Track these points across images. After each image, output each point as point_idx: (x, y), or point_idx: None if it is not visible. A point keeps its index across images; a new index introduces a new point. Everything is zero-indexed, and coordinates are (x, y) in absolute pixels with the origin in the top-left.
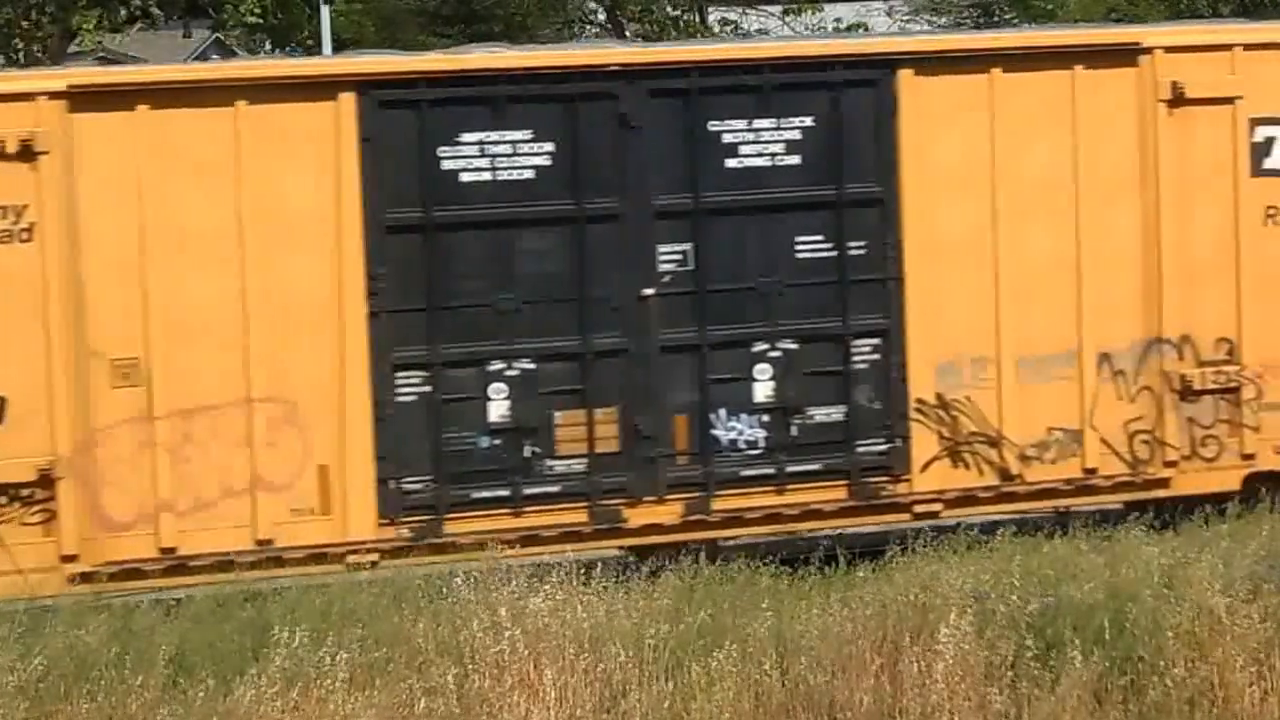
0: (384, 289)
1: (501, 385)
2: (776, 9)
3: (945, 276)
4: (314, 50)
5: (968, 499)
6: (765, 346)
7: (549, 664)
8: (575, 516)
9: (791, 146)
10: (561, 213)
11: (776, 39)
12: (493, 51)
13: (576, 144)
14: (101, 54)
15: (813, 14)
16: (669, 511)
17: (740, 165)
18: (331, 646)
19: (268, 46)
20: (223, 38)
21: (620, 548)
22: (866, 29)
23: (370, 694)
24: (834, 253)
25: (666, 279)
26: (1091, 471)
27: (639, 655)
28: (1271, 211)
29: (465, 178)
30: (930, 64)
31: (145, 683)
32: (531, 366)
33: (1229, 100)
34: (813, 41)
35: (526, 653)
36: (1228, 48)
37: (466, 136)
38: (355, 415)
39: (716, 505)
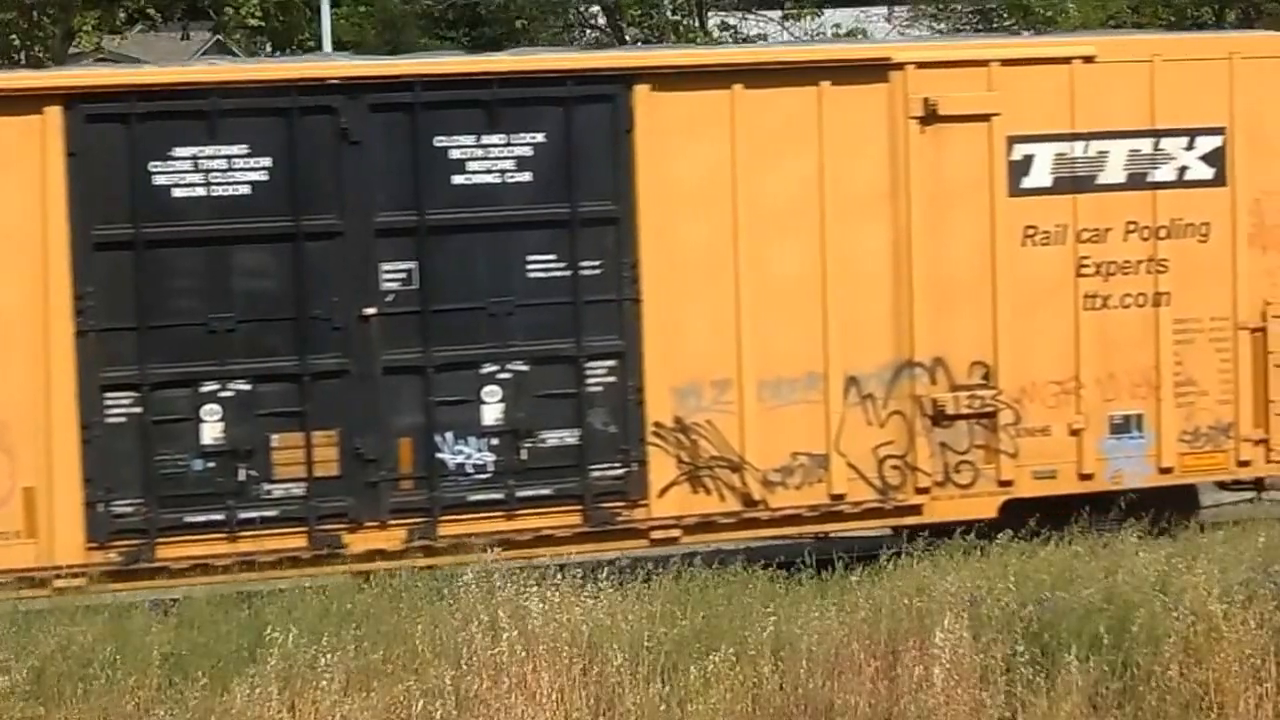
0: (91, 307)
1: (215, 407)
2: (776, 14)
3: (685, 297)
4: (315, 53)
5: (708, 525)
6: (494, 368)
7: (546, 666)
8: (294, 541)
9: (523, 163)
10: (279, 229)
11: (511, 53)
12: (211, 64)
13: (295, 159)
14: (101, 55)
15: (812, 19)
16: (392, 537)
17: (468, 182)
18: (327, 647)
19: (268, 49)
20: (223, 40)
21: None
22: (866, 34)
23: (367, 695)
24: (567, 272)
25: (390, 298)
26: (839, 497)
27: (636, 658)
28: (1030, 231)
29: (178, 193)
30: (668, 79)
31: (140, 683)
32: (247, 388)
33: (985, 117)
34: (545, 55)
35: (524, 655)
36: (984, 63)
37: (179, 151)
38: (62, 436)
39: (443, 530)
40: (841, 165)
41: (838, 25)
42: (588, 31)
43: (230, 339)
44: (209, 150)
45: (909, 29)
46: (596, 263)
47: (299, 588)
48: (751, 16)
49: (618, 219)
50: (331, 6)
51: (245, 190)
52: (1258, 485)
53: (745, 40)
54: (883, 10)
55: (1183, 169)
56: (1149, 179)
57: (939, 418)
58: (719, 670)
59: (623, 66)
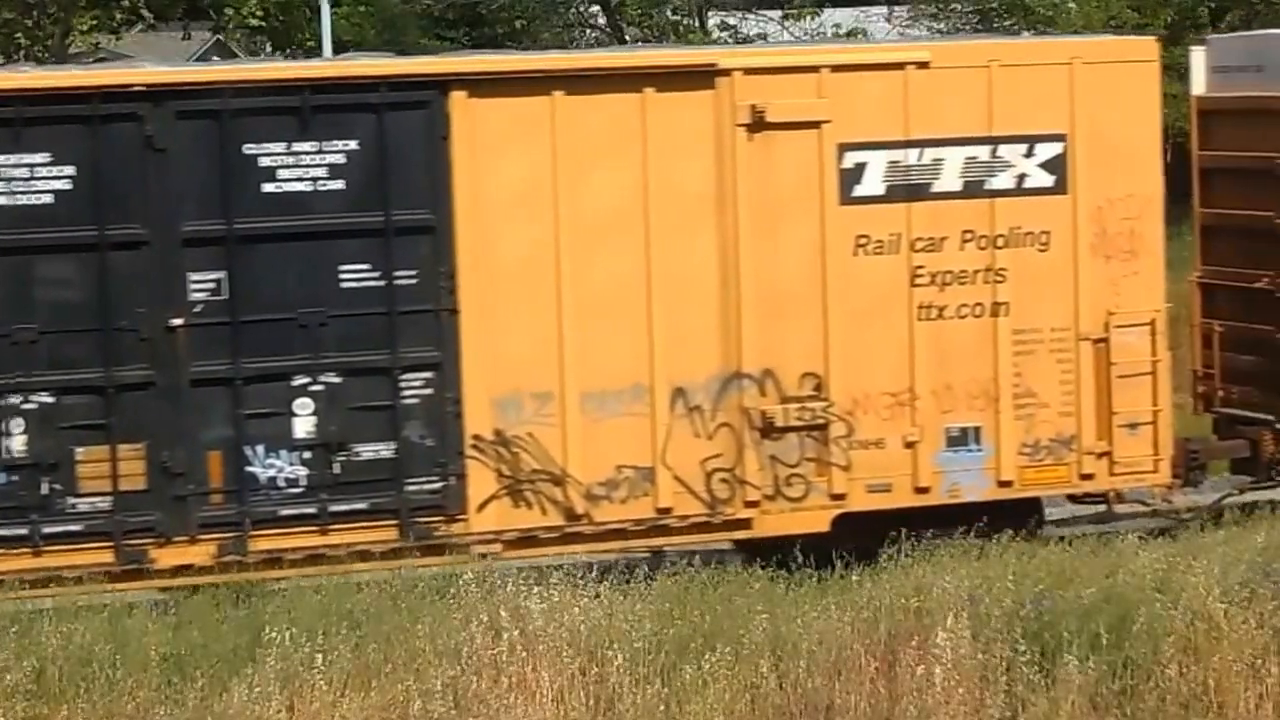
0: None
1: (18, 419)
2: (776, 14)
3: (505, 307)
4: (315, 53)
5: (530, 539)
6: (306, 380)
7: (546, 666)
8: (100, 557)
9: (335, 171)
10: (82, 239)
11: (326, 60)
12: (17, 71)
13: (98, 168)
14: (101, 55)
15: (811, 19)
16: (201, 552)
17: (278, 190)
18: (325, 647)
19: (268, 49)
20: (224, 40)
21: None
22: (866, 34)
23: (366, 695)
24: (381, 282)
25: (198, 309)
26: (665, 511)
27: (635, 658)
28: (863, 241)
29: None
30: (485, 85)
31: (140, 683)
32: (50, 400)
33: (815, 124)
34: (358, 61)
35: (524, 655)
36: (814, 69)
37: None
38: None
39: (254, 545)
40: (667, 173)
41: (837, 25)
42: (588, 31)
43: (33, 350)
44: (11, 159)
45: (909, 29)
46: (412, 272)
47: (296, 588)
48: (751, 16)
49: (434, 228)
50: (332, 6)
51: (48, 199)
52: (1109, 498)
53: (745, 40)
54: (883, 10)
55: (1022, 176)
56: (986, 187)
57: (768, 430)
58: (717, 670)
59: (438, 72)
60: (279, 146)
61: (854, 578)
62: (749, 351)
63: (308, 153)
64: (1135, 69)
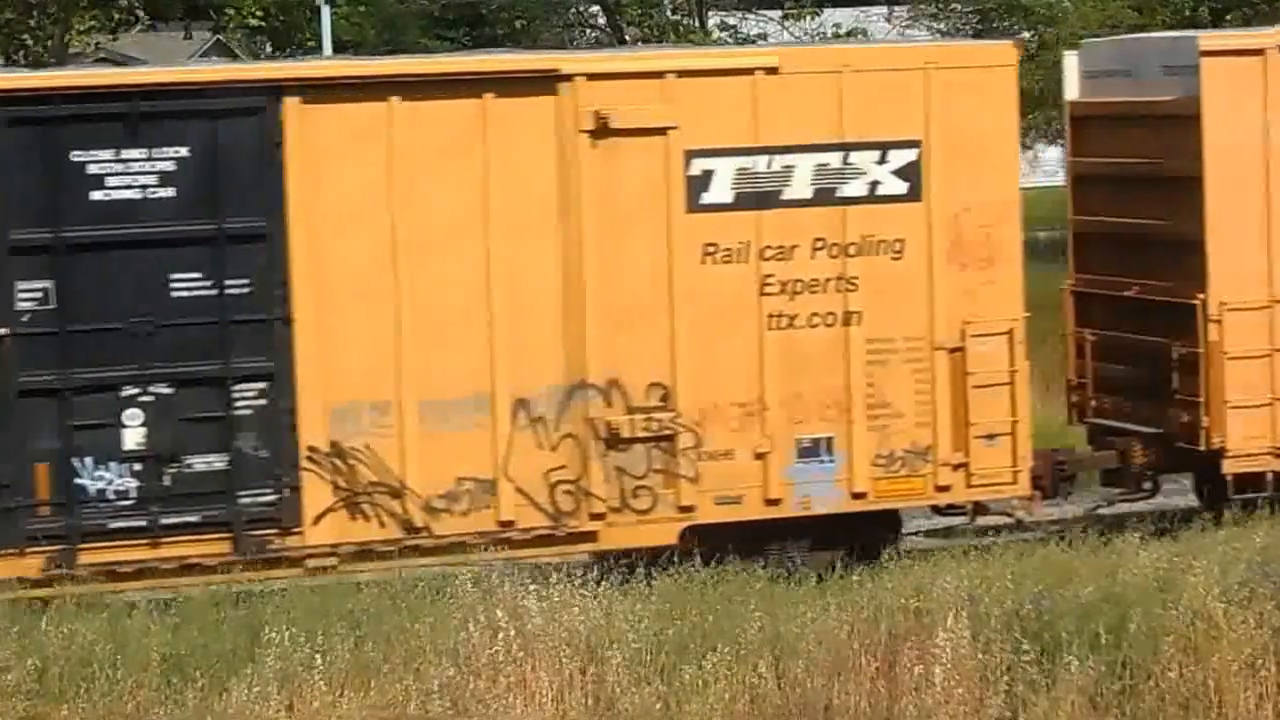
0: None
1: None
2: (776, 14)
3: (341, 317)
4: (315, 52)
5: (367, 553)
6: (136, 390)
7: (544, 666)
8: None
9: (166, 178)
10: None
11: (152, 67)
12: None
13: None
14: (102, 55)
15: (812, 19)
16: (29, 565)
17: (107, 198)
18: (325, 647)
19: (268, 49)
20: (224, 40)
21: None
22: (866, 34)
23: (365, 695)
24: (214, 291)
25: (25, 318)
26: (508, 524)
27: (634, 658)
28: (711, 249)
29: None
30: (319, 92)
31: (140, 682)
32: None
33: (661, 131)
34: (190, 68)
35: (522, 654)
36: (659, 75)
37: None
38: None
39: (84, 558)
40: (508, 180)
41: (837, 25)
42: (588, 31)
43: None
44: None
45: (909, 29)
46: (245, 281)
47: (295, 588)
48: (751, 16)
49: (268, 236)
50: (331, 6)
51: None
52: (972, 510)
53: (745, 40)
54: (883, 10)
55: (874, 184)
56: (838, 194)
57: (614, 441)
58: (717, 670)
59: (271, 78)
60: (108, 154)
61: (854, 578)
62: (594, 361)
63: (137, 160)
64: (992, 74)
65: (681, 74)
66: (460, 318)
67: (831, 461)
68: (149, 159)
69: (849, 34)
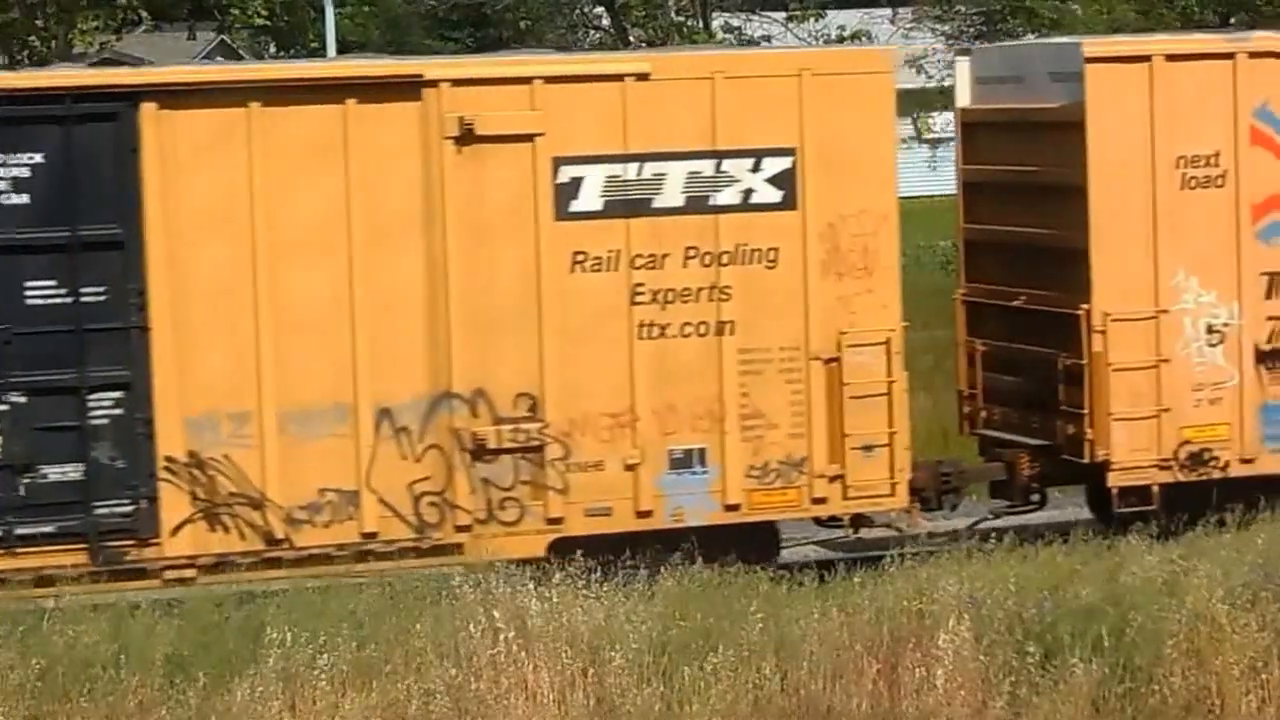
0: None
1: None
2: (780, 15)
3: (200, 325)
4: (319, 53)
5: (227, 564)
6: None
7: (546, 667)
8: None
9: (19, 185)
10: None
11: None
12: None
13: None
14: (107, 55)
15: (816, 20)
16: None
17: None
18: (327, 647)
19: (272, 49)
20: (228, 40)
21: None
22: (870, 36)
23: (367, 695)
24: (68, 299)
25: None
26: (371, 535)
27: (637, 659)
28: (580, 257)
29: None
30: (177, 97)
31: (143, 682)
32: None
33: (527, 138)
34: (45, 71)
35: (524, 655)
36: (527, 81)
37: None
38: None
39: None
40: (371, 187)
41: (842, 27)
42: (592, 33)
43: None
44: None
45: (913, 31)
46: (100, 289)
47: (297, 588)
48: (756, 18)
49: (124, 243)
50: (336, 7)
51: None
52: (856, 522)
53: (749, 42)
54: (887, 12)
55: (748, 192)
56: (711, 202)
57: (480, 452)
58: (719, 671)
59: (127, 84)
60: None
61: (855, 580)
62: (459, 371)
63: None
64: (868, 80)
65: (549, 80)
66: (322, 327)
67: (705, 473)
68: (3, 165)
69: (853, 36)
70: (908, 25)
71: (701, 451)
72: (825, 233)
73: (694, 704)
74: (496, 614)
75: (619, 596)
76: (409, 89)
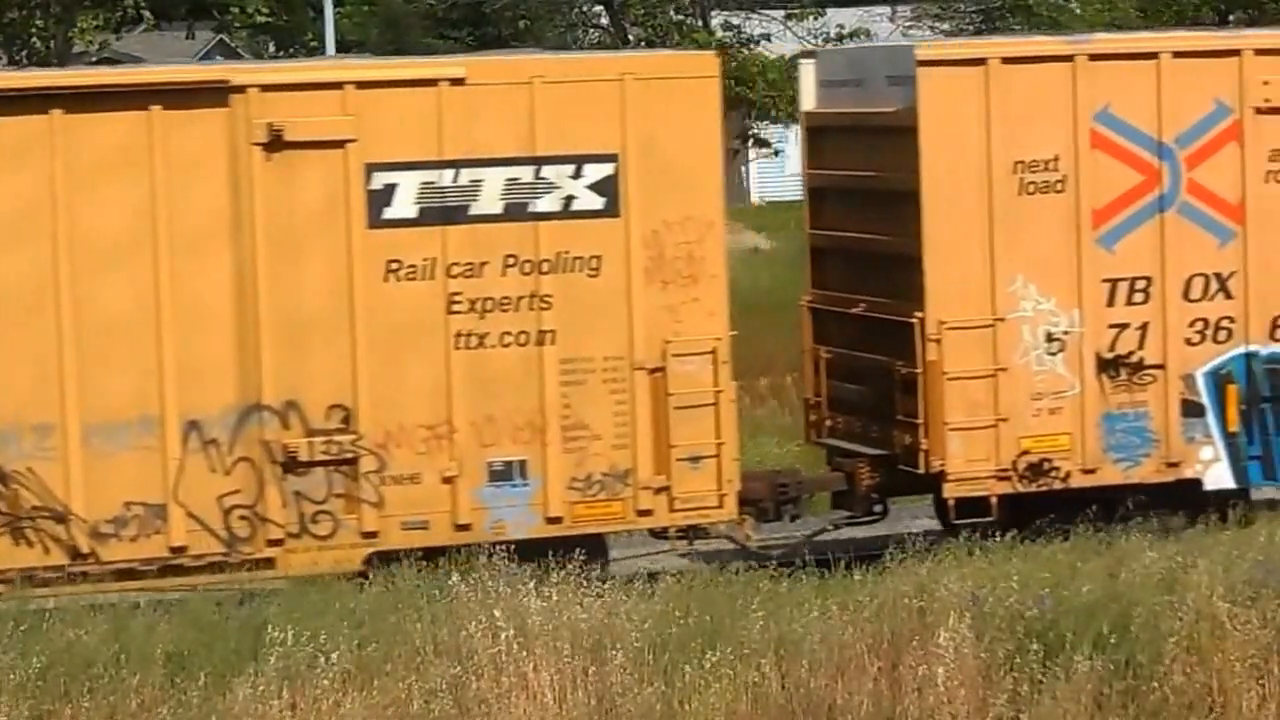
0: None
1: None
2: (779, 14)
3: (1, 336)
4: (317, 53)
5: (31, 579)
6: None
7: (546, 665)
8: None
9: None
10: None
11: None
12: None
13: None
14: (107, 55)
15: (815, 19)
16: None
17: None
18: (328, 646)
19: (271, 49)
20: (227, 39)
21: None
22: (869, 35)
23: (368, 694)
24: None
25: None
26: (180, 550)
27: (637, 657)
28: (394, 266)
29: None
30: None
31: (144, 681)
32: None
33: (339, 144)
34: None
35: (524, 654)
36: (338, 86)
37: None
38: None
39: None
40: (178, 195)
41: (841, 25)
42: (591, 31)
43: None
44: None
45: (912, 29)
46: None
47: (299, 587)
48: (755, 16)
49: None
50: (335, 6)
51: None
52: (689, 533)
53: (749, 41)
54: (886, 10)
55: (569, 199)
56: (530, 209)
57: (292, 465)
58: (719, 669)
59: None
60: None
61: (856, 577)
62: (270, 382)
63: None
64: (692, 85)
65: (361, 85)
66: (127, 337)
67: (525, 485)
68: None
69: (852, 34)
70: (907, 23)
71: (522, 463)
72: (649, 240)
73: (694, 702)
74: (497, 613)
75: (620, 594)
76: (216, 95)
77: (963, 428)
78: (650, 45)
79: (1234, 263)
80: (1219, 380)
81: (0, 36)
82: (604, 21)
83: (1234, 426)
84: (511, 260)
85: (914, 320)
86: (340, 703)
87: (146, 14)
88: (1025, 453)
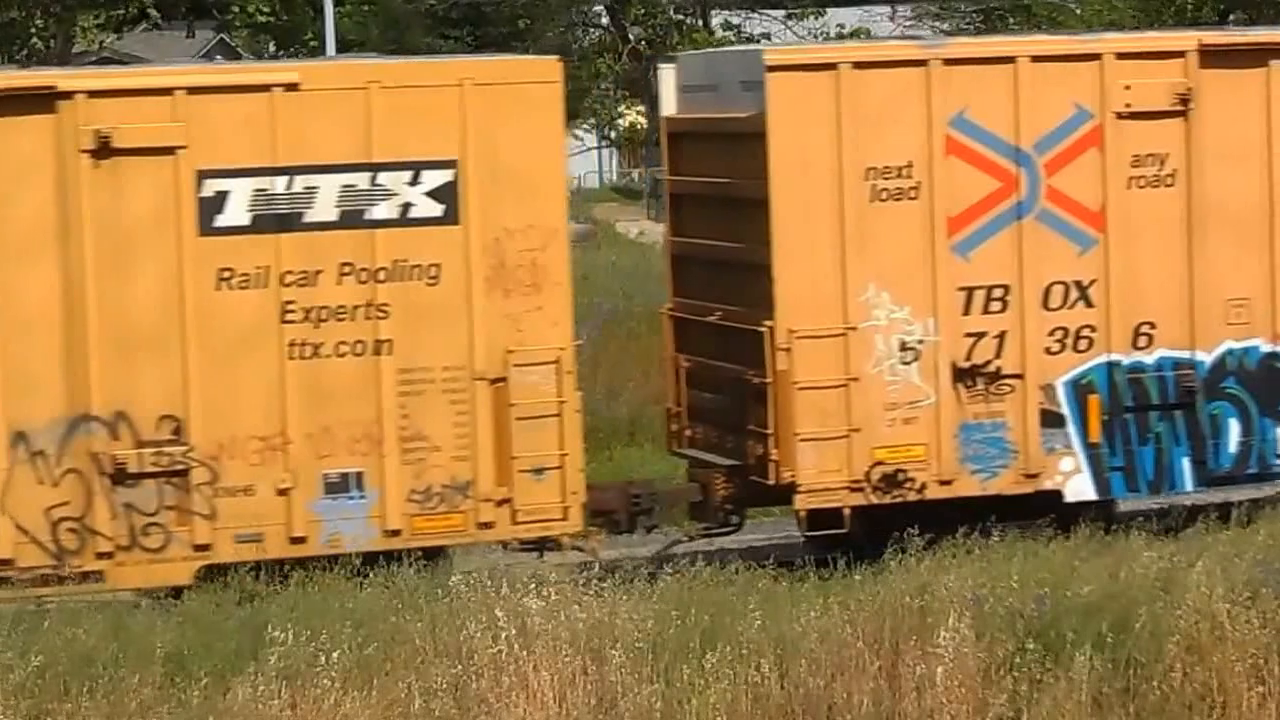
0: None
1: None
2: (779, 12)
3: None
4: (318, 52)
5: None
6: None
7: (546, 665)
8: None
9: None
10: None
11: None
12: None
13: None
14: (106, 54)
15: (815, 18)
16: None
17: None
18: (328, 646)
19: (272, 48)
20: (227, 39)
21: None
22: (869, 34)
23: (368, 694)
24: None
25: None
26: (6, 563)
27: (637, 657)
28: (226, 274)
29: None
30: None
31: (143, 681)
32: None
33: (169, 150)
34: None
35: (524, 654)
36: (168, 92)
37: None
38: None
39: None
40: (4, 203)
41: (841, 25)
42: (591, 31)
43: None
44: None
45: (912, 28)
46: None
47: (299, 586)
48: (755, 15)
49: None
50: (335, 5)
51: None
52: (542, 546)
53: (749, 39)
54: (886, 10)
55: (407, 206)
56: (367, 217)
57: (121, 477)
58: (719, 669)
59: None
60: None
61: (856, 577)
62: (98, 393)
63: None
64: (534, 91)
65: (192, 90)
66: None
67: (363, 497)
68: None
69: (853, 34)
70: (907, 22)
71: (359, 475)
72: (490, 248)
73: (694, 701)
74: (498, 612)
75: (620, 594)
76: (42, 101)
77: (814, 438)
78: (651, 44)
79: (1095, 271)
80: (1080, 390)
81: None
82: (604, 21)
83: (1095, 437)
84: (347, 268)
85: (763, 329)
86: (340, 702)
87: (153, 12)
88: (879, 463)
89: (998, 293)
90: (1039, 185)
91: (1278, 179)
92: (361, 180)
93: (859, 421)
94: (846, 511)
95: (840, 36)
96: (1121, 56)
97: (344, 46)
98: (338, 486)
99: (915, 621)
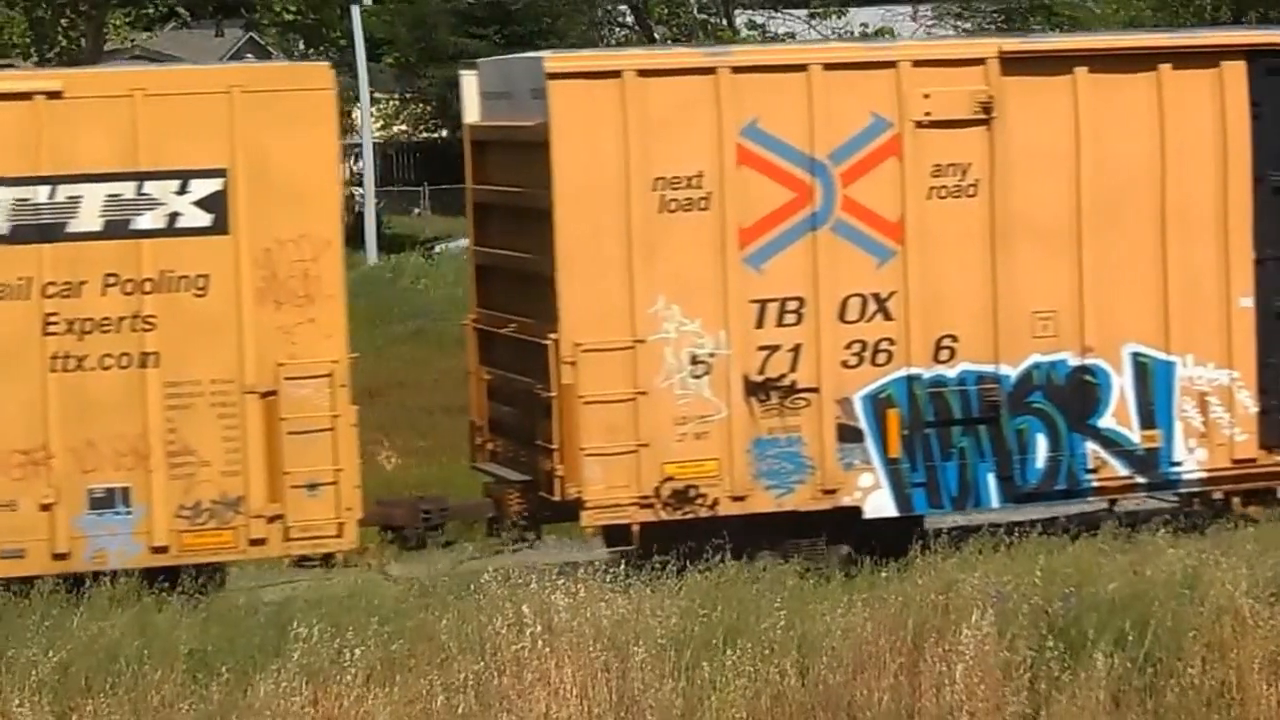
0: None
1: None
2: (803, 13)
3: None
4: (347, 50)
5: None
6: None
7: (569, 661)
8: None
9: None
10: None
11: None
12: None
13: None
14: (138, 53)
15: (838, 18)
16: None
17: None
18: (351, 642)
19: (301, 46)
20: (257, 37)
21: None
22: (892, 33)
23: (390, 690)
24: None
25: None
26: None
27: (660, 653)
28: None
29: None
30: None
31: (166, 677)
32: None
33: None
34: None
35: (547, 650)
36: None
37: None
38: None
39: None
40: None
41: (864, 24)
42: (616, 30)
43: None
44: None
45: (934, 28)
46: None
47: (323, 583)
48: (779, 15)
49: None
50: (363, 4)
51: None
52: (323, 562)
53: (773, 39)
54: (908, 9)
55: (174, 215)
56: (132, 227)
57: None
58: (739, 666)
59: None
60: None
61: (882, 575)
62: None
63: None
64: (305, 98)
65: None
66: None
67: (129, 513)
68: None
69: (877, 33)
70: (929, 22)
71: (125, 491)
72: (261, 259)
73: (714, 698)
74: (526, 608)
75: (646, 590)
76: None
77: (600, 453)
78: (676, 43)
79: (894, 283)
80: (879, 404)
81: (31, 35)
82: (629, 20)
83: (895, 452)
84: (112, 279)
85: (548, 342)
86: (363, 699)
87: (181, 10)
88: (669, 479)
89: (792, 305)
90: (835, 196)
91: (1086, 189)
92: (127, 189)
93: (648, 436)
94: (635, 528)
95: (864, 36)
96: (919, 64)
97: (372, 45)
98: (103, 502)
99: (938, 619)
